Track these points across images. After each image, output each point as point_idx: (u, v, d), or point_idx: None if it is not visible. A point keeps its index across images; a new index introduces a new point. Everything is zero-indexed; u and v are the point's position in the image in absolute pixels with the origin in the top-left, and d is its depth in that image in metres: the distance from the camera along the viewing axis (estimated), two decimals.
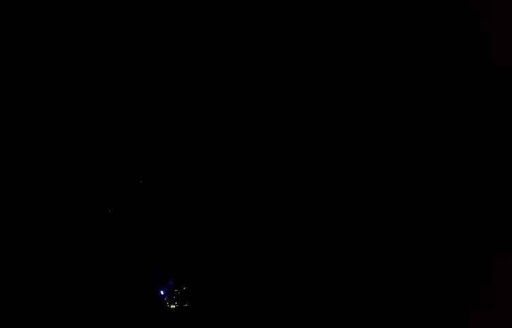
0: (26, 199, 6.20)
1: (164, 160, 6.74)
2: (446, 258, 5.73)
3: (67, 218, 6.31)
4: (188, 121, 6.57)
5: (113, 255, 6.21)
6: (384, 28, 6.28)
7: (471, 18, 5.42)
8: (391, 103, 6.43)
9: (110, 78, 6.24)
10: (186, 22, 6.14)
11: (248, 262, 6.51)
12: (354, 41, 6.31)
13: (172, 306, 6.07)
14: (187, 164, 6.78)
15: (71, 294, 5.79)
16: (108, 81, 6.23)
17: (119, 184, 6.58)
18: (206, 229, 6.58)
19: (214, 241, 6.49)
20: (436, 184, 5.97)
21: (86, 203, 6.38)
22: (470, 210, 5.59)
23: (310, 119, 6.78)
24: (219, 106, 6.53)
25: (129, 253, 6.27)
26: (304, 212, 6.77)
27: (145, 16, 6.12)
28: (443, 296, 5.67)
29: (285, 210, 6.89)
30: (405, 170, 6.31)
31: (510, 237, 5.20)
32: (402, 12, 6.13)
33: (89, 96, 6.25)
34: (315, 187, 6.79)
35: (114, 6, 6.13)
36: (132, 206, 6.55)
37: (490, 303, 5.14)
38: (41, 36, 6.10)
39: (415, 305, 5.82)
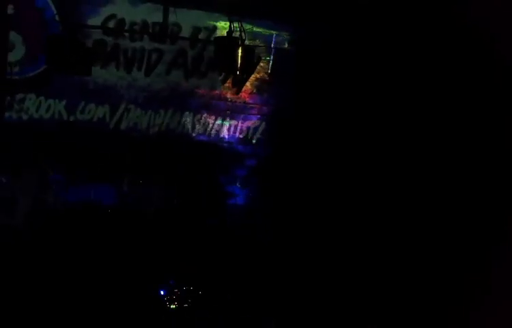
0: None
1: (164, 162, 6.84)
2: (446, 258, 5.69)
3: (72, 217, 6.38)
4: None
5: (114, 255, 6.19)
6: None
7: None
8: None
9: None
10: None
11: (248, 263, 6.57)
12: None
13: (172, 306, 6.09)
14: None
15: (71, 294, 5.74)
16: None
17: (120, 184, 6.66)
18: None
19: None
20: (436, 184, 5.93)
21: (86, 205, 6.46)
22: (469, 211, 5.57)
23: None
24: None
25: (129, 253, 6.27)
26: (303, 212, 6.82)
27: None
28: (443, 296, 5.63)
29: (284, 209, 6.96)
30: (402, 167, 6.27)
31: (510, 237, 5.18)
32: None
33: None
34: (314, 186, 6.83)
35: None
36: (132, 205, 6.65)
37: (490, 303, 5.11)
38: None
39: (415, 305, 5.76)
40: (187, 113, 6.90)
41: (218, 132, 6.97)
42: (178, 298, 6.11)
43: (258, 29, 6.88)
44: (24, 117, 6.46)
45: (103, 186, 6.57)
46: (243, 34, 6.23)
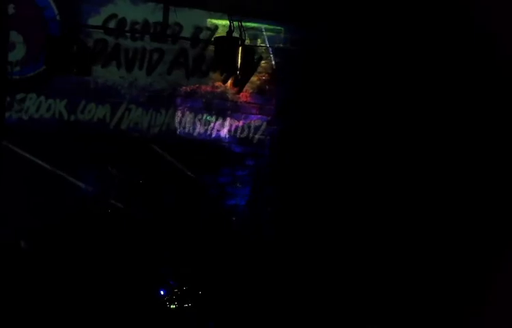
0: None
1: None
2: (447, 259, 5.70)
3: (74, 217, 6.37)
4: None
5: (114, 256, 6.18)
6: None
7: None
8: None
9: None
10: None
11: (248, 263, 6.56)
12: None
13: (172, 306, 6.08)
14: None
15: (72, 294, 5.75)
16: None
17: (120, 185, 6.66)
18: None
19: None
20: (436, 185, 5.93)
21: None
22: (470, 211, 5.56)
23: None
24: None
25: (130, 253, 6.27)
26: (305, 212, 6.80)
27: None
28: (443, 296, 5.63)
29: (285, 209, 6.95)
30: (404, 167, 6.29)
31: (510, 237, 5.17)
32: None
33: None
34: (315, 186, 6.81)
35: None
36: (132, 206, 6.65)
37: (490, 303, 5.11)
38: None
39: (415, 305, 5.77)
40: (188, 112, 6.90)
41: (219, 131, 6.96)
42: (178, 298, 6.11)
43: (259, 29, 6.89)
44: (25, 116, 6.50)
45: (102, 185, 6.58)
46: (244, 34, 6.23)
